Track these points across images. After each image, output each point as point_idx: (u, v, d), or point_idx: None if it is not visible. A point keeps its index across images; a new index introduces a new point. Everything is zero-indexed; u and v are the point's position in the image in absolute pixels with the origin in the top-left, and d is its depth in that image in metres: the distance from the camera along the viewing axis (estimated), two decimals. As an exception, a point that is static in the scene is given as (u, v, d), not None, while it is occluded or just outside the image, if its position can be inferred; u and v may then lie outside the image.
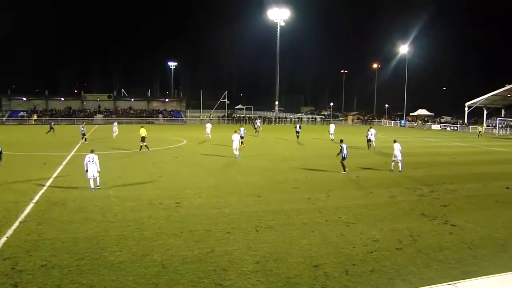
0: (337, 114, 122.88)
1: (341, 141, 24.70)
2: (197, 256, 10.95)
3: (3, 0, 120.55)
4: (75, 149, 34.07)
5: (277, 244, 11.92)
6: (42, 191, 18.33)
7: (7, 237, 12.19)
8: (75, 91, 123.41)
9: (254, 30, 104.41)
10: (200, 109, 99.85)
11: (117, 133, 45.60)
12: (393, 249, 11.72)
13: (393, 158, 24.66)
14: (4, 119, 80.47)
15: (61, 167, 25.01)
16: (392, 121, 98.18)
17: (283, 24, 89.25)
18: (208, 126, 45.23)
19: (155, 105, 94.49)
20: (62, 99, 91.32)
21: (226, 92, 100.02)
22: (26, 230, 12.91)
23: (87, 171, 18.35)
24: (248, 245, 11.79)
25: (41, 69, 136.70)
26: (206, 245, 11.76)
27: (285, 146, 39.86)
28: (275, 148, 38.14)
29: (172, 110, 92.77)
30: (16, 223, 13.52)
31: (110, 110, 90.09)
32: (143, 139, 32.54)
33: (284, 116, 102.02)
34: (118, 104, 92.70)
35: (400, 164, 24.55)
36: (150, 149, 32.75)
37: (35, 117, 79.12)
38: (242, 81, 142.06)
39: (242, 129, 37.72)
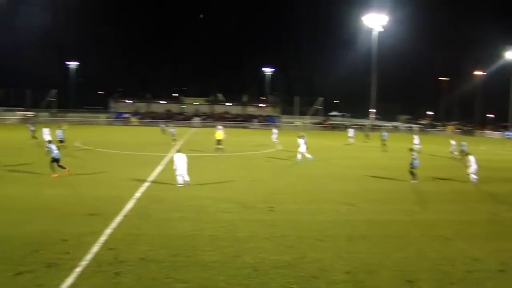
0: (436, 123, 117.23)
1: (411, 149, 24.74)
2: (288, 261, 11.12)
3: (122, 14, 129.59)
4: (173, 150, 35.80)
5: (369, 255, 11.77)
6: (144, 188, 19.57)
7: (111, 229, 13.22)
8: (175, 94, 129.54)
9: (350, 36, 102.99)
10: (294, 115, 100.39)
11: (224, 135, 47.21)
12: (495, 270, 11.07)
13: (469, 171, 23.74)
14: (111, 119, 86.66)
15: (161, 166, 26.48)
16: (497, 132, 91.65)
17: (380, 29, 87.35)
18: (275, 131, 45.72)
19: (251, 110, 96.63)
20: (163, 102, 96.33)
21: (321, 98, 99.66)
22: (128, 224, 13.92)
23: (176, 169, 19.96)
24: (339, 254, 11.76)
25: (144, 73, 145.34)
26: (297, 251, 11.91)
27: (377, 155, 38.93)
28: (368, 156, 37.39)
29: (267, 116, 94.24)
30: (120, 217, 14.60)
31: (207, 113, 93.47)
32: (219, 141, 34.54)
33: (379, 124, 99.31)
34: (214, 108, 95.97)
35: (472, 177, 23.61)
36: (223, 153, 34.12)
37: (134, 119, 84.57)
38: (337, 88, 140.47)
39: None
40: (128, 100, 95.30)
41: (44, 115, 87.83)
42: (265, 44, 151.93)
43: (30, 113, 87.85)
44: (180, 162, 19.99)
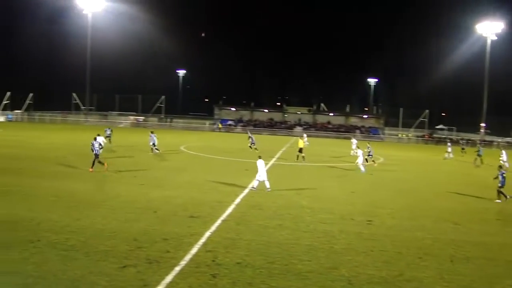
0: None
1: (500, 167, 22.83)
2: (385, 277, 10.77)
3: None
4: (274, 158, 36.30)
5: (473, 279, 11.03)
6: (243, 194, 20.05)
7: (210, 232, 13.69)
8: (278, 103, 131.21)
9: (459, 45, 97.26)
10: (398, 127, 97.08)
11: (308, 144, 47.23)
12: None
13: None
14: (214, 126, 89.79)
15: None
16: None
17: (494, 37, 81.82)
18: (354, 141, 44.45)
19: (353, 120, 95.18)
20: (266, 110, 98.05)
21: (427, 111, 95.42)
22: (226, 228, 14.32)
23: (259, 174, 20.98)
24: (440, 275, 11.15)
25: (248, 81, 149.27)
26: (395, 267, 11.50)
27: (476, 171, 36.22)
28: (466, 172, 35.03)
29: (369, 127, 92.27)
30: (219, 221, 15.08)
31: (309, 123, 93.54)
32: (300, 150, 35.06)
33: (489, 139, 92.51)
34: (317, 118, 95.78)
35: None
36: (305, 161, 34.48)
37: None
38: (444, 100, 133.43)
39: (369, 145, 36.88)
40: (232, 107, 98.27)
41: (153, 120, 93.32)
42: (369, 54, 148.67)
43: (140, 118, 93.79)
44: (261, 168, 21.00)
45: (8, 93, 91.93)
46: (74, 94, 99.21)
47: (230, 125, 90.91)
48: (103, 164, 24.71)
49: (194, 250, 11.92)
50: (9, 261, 10.51)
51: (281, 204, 18.41)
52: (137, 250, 11.63)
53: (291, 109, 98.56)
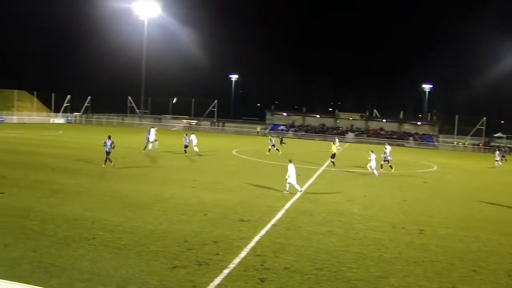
0: None
1: None
2: (437, 289, 10.51)
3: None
4: (325, 164, 36.07)
5: (535, 296, 10.58)
6: (293, 200, 20.05)
7: (260, 236, 13.79)
8: (330, 109, 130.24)
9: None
10: (453, 134, 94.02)
11: (340, 149, 46.60)
12: None
13: None
14: (266, 131, 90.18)
15: (312, 180, 26.85)
16: None
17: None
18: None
19: (407, 127, 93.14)
20: (318, 116, 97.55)
21: (484, 118, 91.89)
22: (275, 233, 14.37)
23: (287, 177, 21.41)
24: (498, 289, 10.77)
25: (301, 87, 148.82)
26: (448, 279, 11.17)
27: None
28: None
29: (423, 134, 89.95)
30: (269, 226, 15.16)
31: (362, 129, 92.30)
32: (333, 155, 35.14)
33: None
34: (369, 124, 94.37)
35: None
36: (335, 166, 34.43)
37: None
38: (503, 107, 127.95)
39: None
40: (284, 112, 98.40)
41: (205, 124, 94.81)
42: (424, 59, 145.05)
43: (193, 121, 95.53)
44: (292, 172, 21.29)
45: (68, 96, 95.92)
46: (129, 98, 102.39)
47: (281, 130, 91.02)
48: (111, 161, 27.07)
49: (243, 253, 12.05)
50: (68, 257, 10.99)
51: (331, 210, 18.29)
52: (187, 252, 11.88)
53: (343, 115, 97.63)
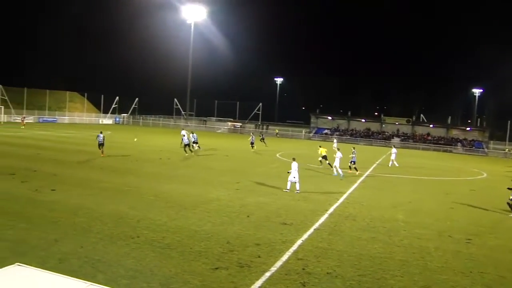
0: None
1: None
2: (486, 301, 10.18)
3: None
4: (370, 169, 35.57)
5: None
6: (337, 204, 19.88)
7: (302, 240, 13.74)
8: (375, 113, 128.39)
9: None
10: (505, 141, 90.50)
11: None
12: None
13: None
14: (311, 135, 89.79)
15: (356, 184, 26.53)
16: None
17: None
18: (394, 151, 41.60)
19: (455, 133, 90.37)
20: (363, 120, 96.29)
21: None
22: (318, 237, 14.28)
23: (289, 172, 22.00)
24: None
25: (346, 91, 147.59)
26: (498, 292, 10.79)
27: None
28: None
29: (472, 140, 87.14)
30: (311, 230, 15.08)
31: (408, 134, 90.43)
32: (324, 157, 33.68)
33: None
34: (416, 129, 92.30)
35: None
36: (322, 165, 34.02)
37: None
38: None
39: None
40: (329, 116, 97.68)
41: (249, 127, 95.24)
42: (474, 62, 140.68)
43: (238, 124, 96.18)
44: (294, 169, 21.75)
45: (117, 98, 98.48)
46: (175, 100, 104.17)
47: (326, 133, 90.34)
48: (102, 152, 31.53)
49: (285, 257, 12.03)
50: (113, 254, 11.30)
51: (375, 216, 18.01)
52: (230, 253, 11.97)
53: (389, 119, 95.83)
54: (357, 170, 31.60)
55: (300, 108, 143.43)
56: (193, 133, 40.82)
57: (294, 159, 22.42)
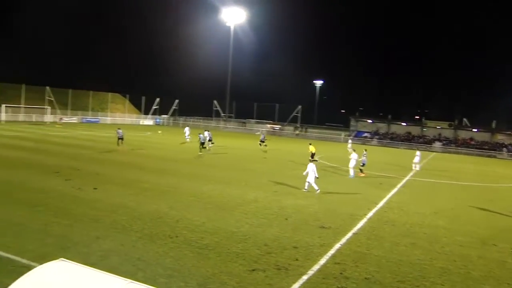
0: None
1: None
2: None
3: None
4: (410, 174, 34.89)
5: None
6: (376, 209, 19.60)
7: (340, 244, 13.62)
8: (416, 117, 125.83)
9: None
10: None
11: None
12: None
13: None
14: (350, 138, 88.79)
15: (396, 189, 26.08)
16: None
17: None
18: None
19: (500, 138, 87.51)
20: (404, 124, 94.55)
21: None
22: (356, 242, 14.11)
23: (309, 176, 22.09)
24: None
25: (386, 93, 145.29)
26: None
27: None
28: None
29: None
30: (349, 234, 14.93)
31: (450, 138, 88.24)
32: (312, 155, 35.33)
33: None
34: (458, 133, 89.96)
35: None
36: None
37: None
38: None
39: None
40: (369, 119, 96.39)
41: (288, 129, 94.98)
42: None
43: (276, 126, 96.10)
44: (311, 170, 22.01)
45: (157, 99, 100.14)
46: (215, 101, 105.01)
47: (366, 137, 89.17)
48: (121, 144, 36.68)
49: (322, 260, 11.95)
50: (152, 252, 11.50)
51: (415, 221, 17.65)
52: (267, 255, 11.97)
53: (430, 123, 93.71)
54: (362, 172, 31.24)
55: (340, 111, 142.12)
56: (208, 131, 43.11)
57: (311, 161, 22.58)
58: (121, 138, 37.48)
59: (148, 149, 38.07)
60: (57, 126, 61.81)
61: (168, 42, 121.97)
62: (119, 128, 38.94)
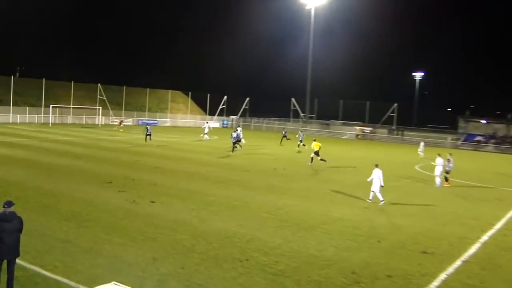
0: None
1: None
2: None
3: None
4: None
5: None
6: (492, 231, 18.81)
7: (446, 274, 13.16)
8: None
9: None
10: None
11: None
12: None
13: None
14: (459, 142, 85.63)
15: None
16: None
17: None
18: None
19: None
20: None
21: None
22: (467, 271, 13.58)
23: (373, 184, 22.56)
24: None
25: (504, 88, 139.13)
26: None
27: None
28: None
29: None
30: (458, 262, 14.40)
31: None
32: (317, 152, 36.30)
33: None
34: None
35: None
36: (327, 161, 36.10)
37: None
38: None
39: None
40: (483, 119, 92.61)
41: (382, 132, 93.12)
42: None
43: (367, 129, 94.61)
44: (376, 177, 22.46)
45: (225, 97, 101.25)
46: (293, 99, 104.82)
47: (478, 141, 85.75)
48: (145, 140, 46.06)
49: (423, 293, 11.61)
50: (219, 278, 11.66)
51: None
52: (355, 285, 11.80)
53: None
54: (447, 181, 30.56)
55: (445, 110, 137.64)
56: (240, 128, 48.30)
57: (376, 166, 22.83)
58: (149, 135, 47.42)
59: (214, 156, 38.69)
60: (119, 130, 64.00)
61: (234, 29, 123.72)
62: (147, 125, 51.83)
